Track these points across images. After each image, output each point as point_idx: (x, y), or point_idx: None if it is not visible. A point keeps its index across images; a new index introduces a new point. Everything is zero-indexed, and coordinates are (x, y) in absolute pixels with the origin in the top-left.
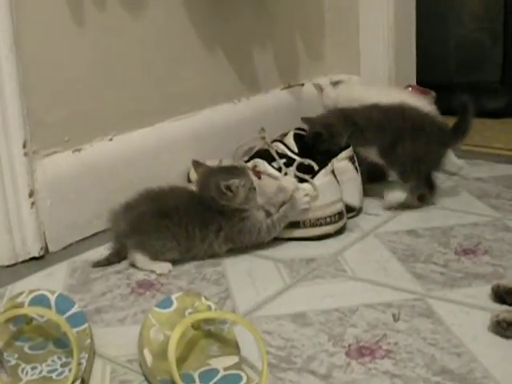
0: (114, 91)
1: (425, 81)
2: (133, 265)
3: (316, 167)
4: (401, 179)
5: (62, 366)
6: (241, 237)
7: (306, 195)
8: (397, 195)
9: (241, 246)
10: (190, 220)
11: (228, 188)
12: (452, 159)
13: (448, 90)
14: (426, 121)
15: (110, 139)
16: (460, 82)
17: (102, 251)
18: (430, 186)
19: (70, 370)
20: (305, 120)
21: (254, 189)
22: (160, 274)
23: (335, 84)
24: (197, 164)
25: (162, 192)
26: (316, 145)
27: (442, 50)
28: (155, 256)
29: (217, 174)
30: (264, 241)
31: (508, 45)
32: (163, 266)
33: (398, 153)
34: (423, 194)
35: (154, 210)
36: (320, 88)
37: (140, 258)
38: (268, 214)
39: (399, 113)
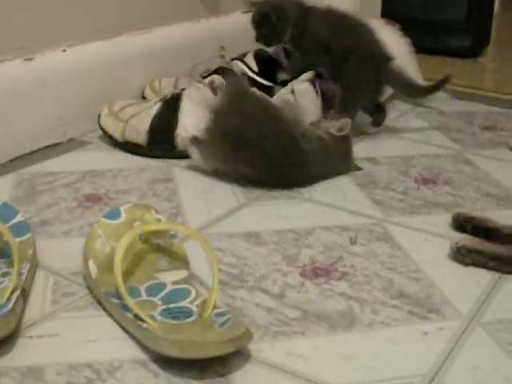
0: (69, 0)
1: (389, 17)
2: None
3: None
4: (337, 108)
5: (2, 275)
6: None
7: None
8: None
9: None
10: None
11: None
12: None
13: (412, 27)
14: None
15: (64, 50)
16: (425, 19)
17: (50, 164)
18: (380, 109)
19: (10, 280)
20: (253, 3)
21: None
22: None
23: None
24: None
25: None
26: (261, 28)
27: None
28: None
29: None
30: None
31: None
32: None
33: (343, 74)
34: (377, 118)
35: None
36: None
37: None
38: None
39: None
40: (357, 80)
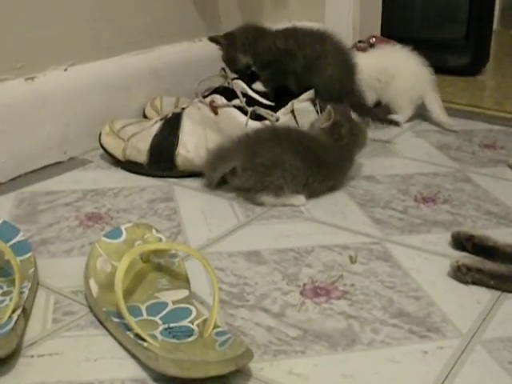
0: (70, 20)
1: (389, 35)
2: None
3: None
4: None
5: (3, 294)
6: None
7: None
8: None
9: None
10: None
11: None
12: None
13: (412, 45)
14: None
15: (65, 69)
16: (424, 37)
17: (51, 183)
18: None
19: (11, 299)
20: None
21: None
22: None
23: None
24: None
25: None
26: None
27: (408, 4)
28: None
29: None
30: None
31: (473, 1)
32: (299, 199)
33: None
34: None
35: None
36: None
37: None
38: None
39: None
40: (336, 84)
